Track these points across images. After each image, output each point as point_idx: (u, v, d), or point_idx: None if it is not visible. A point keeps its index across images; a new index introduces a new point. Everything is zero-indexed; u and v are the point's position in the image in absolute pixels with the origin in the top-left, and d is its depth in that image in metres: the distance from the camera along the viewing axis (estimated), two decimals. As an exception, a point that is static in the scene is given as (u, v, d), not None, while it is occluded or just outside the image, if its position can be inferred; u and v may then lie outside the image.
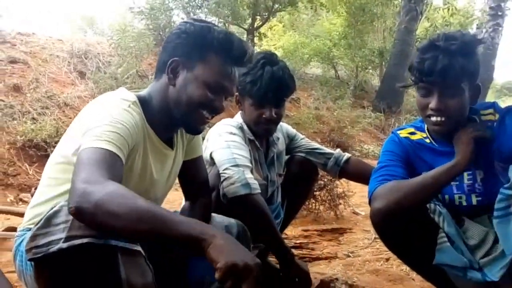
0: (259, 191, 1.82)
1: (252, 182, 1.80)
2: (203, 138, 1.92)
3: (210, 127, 2.01)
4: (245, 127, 2.04)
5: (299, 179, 2.25)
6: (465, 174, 1.62)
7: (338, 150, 2.32)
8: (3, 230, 2.66)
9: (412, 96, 11.98)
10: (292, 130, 2.34)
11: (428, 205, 1.71)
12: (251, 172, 1.88)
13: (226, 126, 2.01)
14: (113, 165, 1.11)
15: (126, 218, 1.00)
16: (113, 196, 1.01)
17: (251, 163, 1.93)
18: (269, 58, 2.00)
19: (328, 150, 2.29)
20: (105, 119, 1.21)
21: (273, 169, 2.16)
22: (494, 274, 1.51)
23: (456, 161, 1.56)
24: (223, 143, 1.91)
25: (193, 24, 1.37)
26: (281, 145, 2.22)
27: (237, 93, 2.05)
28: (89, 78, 6.45)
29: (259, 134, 2.06)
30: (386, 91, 10.21)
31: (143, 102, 1.37)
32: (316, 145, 2.31)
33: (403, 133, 1.74)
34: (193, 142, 1.62)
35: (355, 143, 8.25)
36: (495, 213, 1.52)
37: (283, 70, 1.99)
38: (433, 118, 1.54)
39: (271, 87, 1.94)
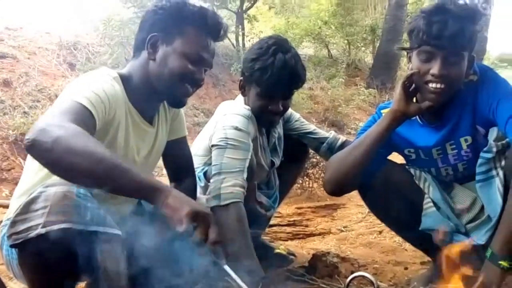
0: (232, 200, 1.64)
1: (224, 192, 1.63)
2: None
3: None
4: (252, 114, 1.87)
5: (291, 160, 2.20)
6: (447, 144, 1.62)
7: (332, 133, 2.19)
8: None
9: (405, 71, 11.92)
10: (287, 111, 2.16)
11: (413, 172, 1.72)
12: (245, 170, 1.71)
13: (235, 117, 1.82)
14: (82, 117, 1.13)
15: (84, 157, 1.00)
16: (74, 134, 1.03)
17: (253, 155, 1.81)
18: (281, 44, 1.84)
19: (322, 133, 2.17)
20: (85, 85, 1.25)
21: (276, 154, 2.09)
22: (480, 237, 1.53)
23: (387, 111, 1.61)
24: (222, 142, 1.75)
25: (169, 0, 1.41)
26: (279, 128, 2.11)
27: (241, 78, 1.93)
28: (79, 70, 6.37)
29: (261, 123, 1.94)
30: (379, 68, 10.15)
31: (124, 80, 1.40)
32: (311, 127, 2.18)
33: (386, 111, 1.70)
34: (176, 122, 1.63)
35: (350, 121, 8.22)
36: (477, 177, 1.54)
37: (296, 58, 1.83)
38: (432, 85, 1.48)
39: (282, 78, 1.78)
